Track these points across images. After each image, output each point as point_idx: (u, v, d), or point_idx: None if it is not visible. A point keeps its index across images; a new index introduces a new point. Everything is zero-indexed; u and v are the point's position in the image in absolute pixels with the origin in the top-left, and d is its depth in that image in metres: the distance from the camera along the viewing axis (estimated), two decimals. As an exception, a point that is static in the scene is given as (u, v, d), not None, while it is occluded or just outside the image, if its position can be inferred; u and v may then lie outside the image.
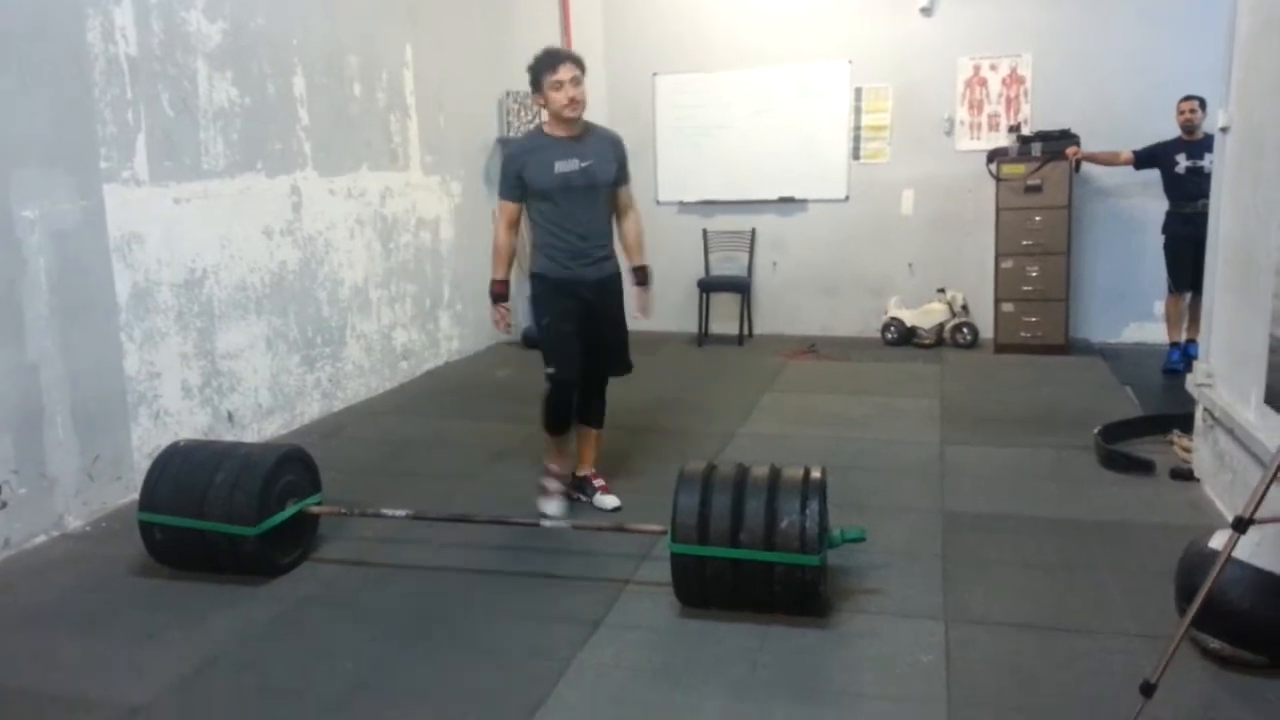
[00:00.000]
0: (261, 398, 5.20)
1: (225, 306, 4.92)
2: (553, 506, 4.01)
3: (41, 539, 3.91)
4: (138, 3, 4.35)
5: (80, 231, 4.10)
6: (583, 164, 3.81)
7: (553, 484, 4.07)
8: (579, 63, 3.79)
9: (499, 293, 4.04)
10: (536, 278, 4.00)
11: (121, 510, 4.14)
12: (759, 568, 2.99)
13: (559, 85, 3.71)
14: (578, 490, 4.19)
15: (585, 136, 3.86)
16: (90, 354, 4.15)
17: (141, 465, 3.69)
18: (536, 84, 3.76)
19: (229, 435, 4.89)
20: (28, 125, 3.86)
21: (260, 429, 5.17)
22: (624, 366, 4.16)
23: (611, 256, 4.00)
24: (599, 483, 4.19)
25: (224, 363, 4.92)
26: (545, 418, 4.02)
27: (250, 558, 3.41)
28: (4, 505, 3.76)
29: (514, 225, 3.97)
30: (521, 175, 3.84)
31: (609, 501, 4.11)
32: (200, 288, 4.76)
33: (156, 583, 3.49)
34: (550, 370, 3.93)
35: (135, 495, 3.63)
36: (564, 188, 3.81)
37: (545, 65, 3.72)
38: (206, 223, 4.78)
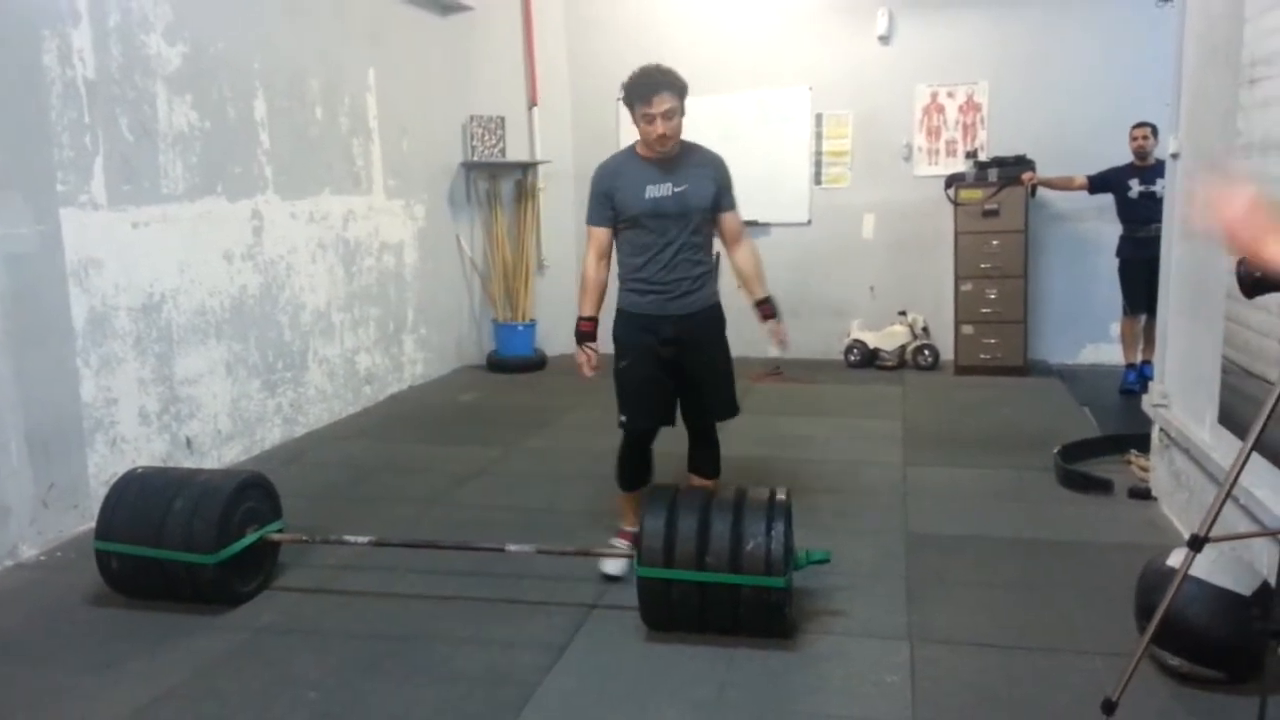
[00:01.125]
0: (221, 423, 5.13)
1: (184, 331, 4.85)
2: (613, 566, 3.58)
3: (-6, 569, 3.82)
4: (96, 25, 4.31)
5: (36, 256, 4.03)
6: (677, 188, 3.47)
7: (621, 544, 3.67)
8: (678, 89, 3.39)
9: (585, 330, 3.60)
10: (619, 314, 3.64)
11: (78, 539, 4.05)
12: (725, 590, 2.99)
13: (650, 119, 3.36)
14: None
15: (682, 158, 3.51)
16: (45, 380, 4.08)
17: (98, 493, 3.63)
18: (629, 105, 3.42)
19: (188, 462, 4.81)
20: (-17, 148, 3.81)
21: (220, 455, 5.10)
22: (726, 409, 3.73)
23: (705, 288, 3.62)
24: (619, 543, 3.72)
25: (183, 388, 4.85)
26: (617, 472, 3.73)
27: (210, 586, 3.35)
28: (-45, 535, 3.68)
29: (604, 256, 3.60)
30: (612, 198, 3.52)
31: (611, 567, 3.60)
32: (159, 312, 4.69)
33: (113, 612, 3.41)
34: (622, 419, 3.63)
35: (92, 524, 3.55)
36: (654, 214, 3.48)
37: (636, 93, 3.37)
38: (165, 247, 4.72)
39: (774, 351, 3.62)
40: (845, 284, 7.81)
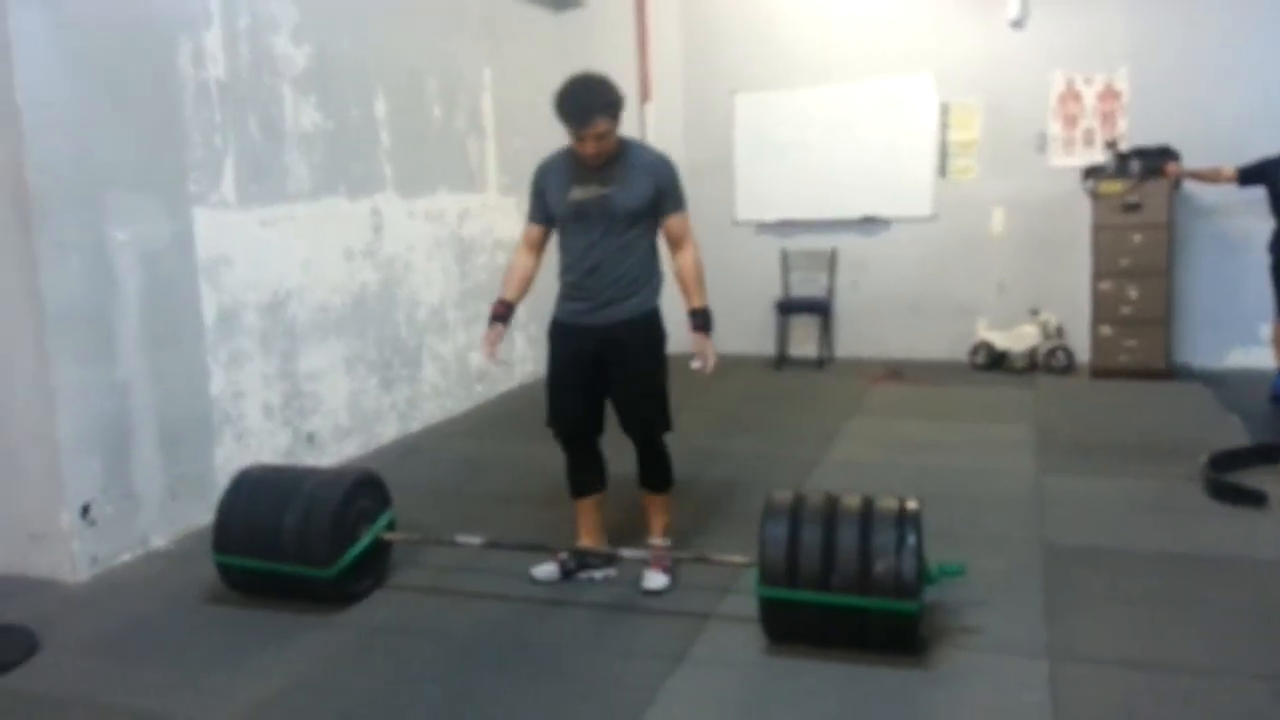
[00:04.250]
0: (340, 419, 5.21)
1: (307, 328, 4.95)
2: (541, 570, 3.57)
3: (127, 557, 3.95)
4: (227, 27, 4.42)
5: (169, 253, 4.16)
6: (603, 190, 3.32)
7: (562, 553, 3.61)
8: (610, 110, 3.23)
9: (497, 313, 3.53)
10: (552, 318, 3.59)
11: (204, 529, 4.12)
12: (853, 612, 2.84)
13: (580, 140, 3.26)
14: (582, 566, 3.61)
15: (619, 159, 3.34)
16: (177, 375, 4.20)
17: (224, 485, 3.72)
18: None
19: (309, 457, 4.91)
20: (120, 148, 3.93)
21: (339, 450, 5.18)
22: (648, 426, 3.52)
23: (631, 299, 3.43)
24: (657, 546, 3.59)
25: (305, 384, 4.94)
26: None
27: (326, 593, 3.39)
28: (93, 524, 3.81)
29: (533, 249, 3.56)
30: (544, 196, 3.48)
31: (654, 581, 3.47)
32: (283, 309, 4.79)
33: (235, 607, 3.48)
34: (549, 424, 3.61)
35: (217, 515, 3.64)
36: (575, 216, 3.38)
37: (564, 118, 3.24)
38: (290, 245, 4.82)
39: (695, 365, 3.40)
40: (971, 282, 7.48)
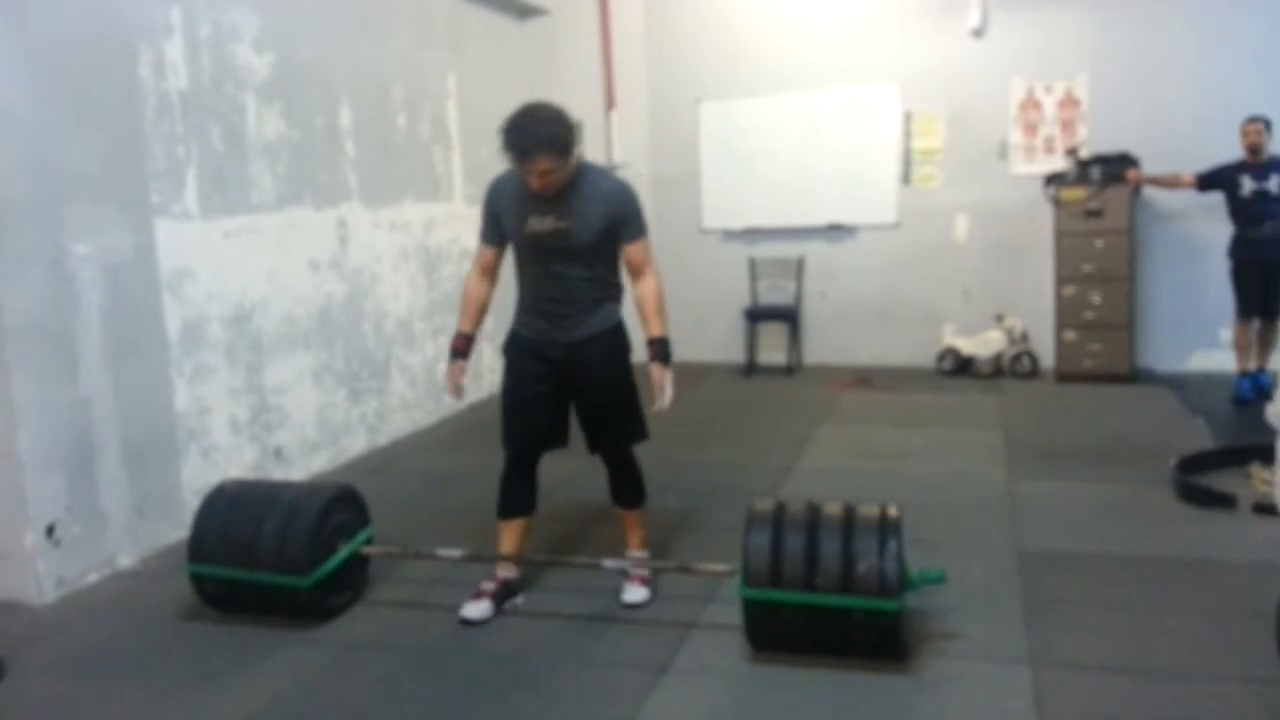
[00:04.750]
0: (308, 432, 5.13)
1: (273, 340, 4.86)
2: (471, 609, 3.35)
3: (94, 577, 3.85)
4: (188, 36, 4.34)
5: (132, 266, 4.06)
6: (560, 223, 3.19)
7: (486, 584, 3.44)
8: (558, 148, 3.06)
9: (458, 348, 3.41)
10: (510, 331, 3.48)
11: (172, 547, 4.06)
12: (836, 613, 2.84)
13: (524, 173, 3.12)
14: (505, 595, 3.46)
15: (572, 188, 3.19)
16: (141, 390, 4.10)
17: (191, 502, 3.64)
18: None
19: (277, 471, 4.82)
20: (81, 161, 3.84)
21: (308, 464, 5.10)
22: (623, 436, 3.45)
23: (594, 315, 3.35)
24: (636, 563, 3.51)
25: (272, 397, 4.85)
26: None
27: (304, 604, 3.33)
28: (58, 543, 3.70)
29: (488, 274, 3.42)
30: (499, 220, 3.33)
31: (633, 595, 3.41)
32: (249, 322, 4.71)
33: (209, 624, 3.41)
34: (505, 443, 3.49)
35: (185, 533, 3.55)
36: (534, 247, 3.27)
37: (510, 150, 3.08)
38: (255, 256, 4.74)
39: (655, 408, 3.32)
40: (936, 288, 7.55)
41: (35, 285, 3.65)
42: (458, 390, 3.45)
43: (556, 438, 3.51)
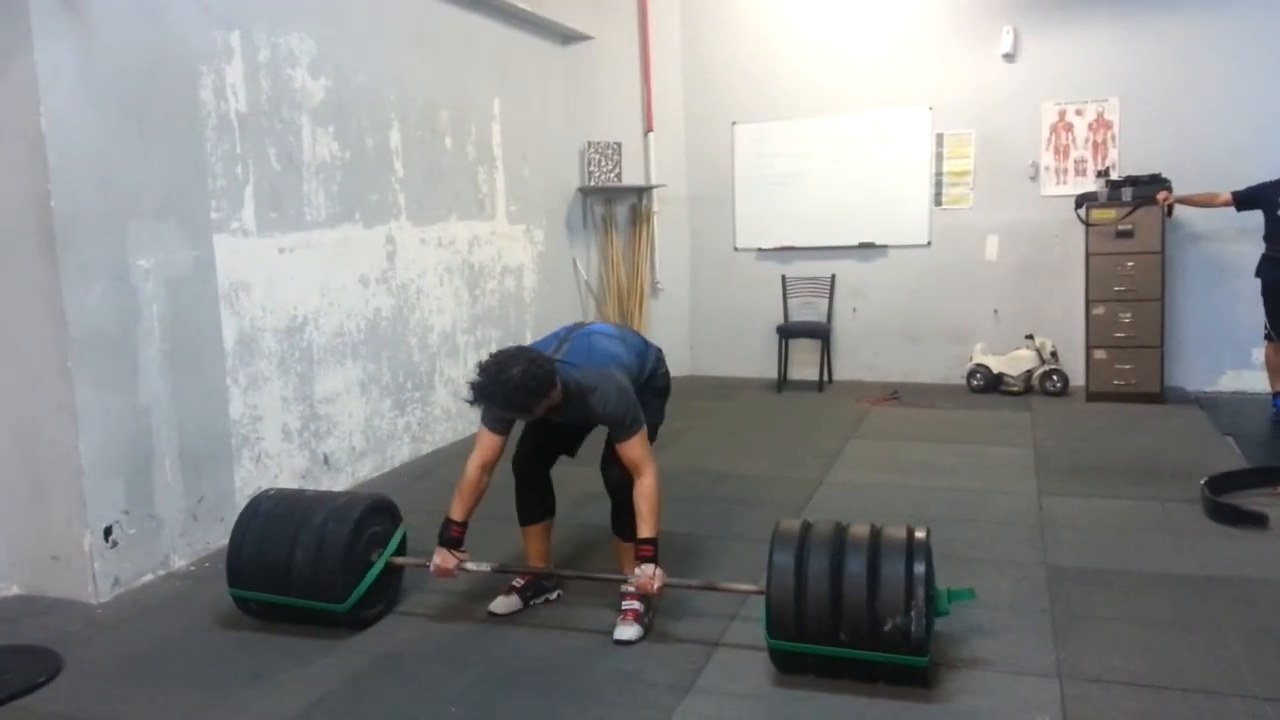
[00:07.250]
0: (355, 441, 5.29)
1: (323, 352, 5.04)
2: (499, 604, 3.57)
3: (149, 578, 4.01)
4: (248, 60, 4.53)
5: (192, 280, 4.24)
6: (567, 423, 3.48)
7: (516, 579, 3.64)
8: (530, 406, 3.12)
9: (452, 536, 3.40)
10: None
11: (224, 551, 4.15)
12: (862, 663, 2.90)
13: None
14: (534, 592, 3.65)
15: (565, 404, 3.26)
16: (198, 398, 4.27)
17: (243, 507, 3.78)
18: None
19: (325, 478, 4.99)
20: (144, 178, 4.02)
21: (354, 472, 5.26)
22: (624, 433, 3.32)
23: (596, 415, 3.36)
24: (628, 605, 3.41)
25: (321, 407, 5.02)
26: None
27: (341, 620, 3.43)
28: (115, 545, 3.86)
29: (488, 469, 3.41)
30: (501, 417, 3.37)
31: (625, 633, 3.33)
32: (301, 334, 4.88)
33: (254, 629, 3.51)
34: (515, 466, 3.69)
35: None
36: (550, 434, 3.60)
37: (484, 406, 3.21)
38: (308, 272, 4.92)
39: (628, 588, 3.31)
40: (967, 308, 7.62)
41: (99, 297, 3.82)
42: (447, 576, 3.44)
43: (561, 448, 3.71)
